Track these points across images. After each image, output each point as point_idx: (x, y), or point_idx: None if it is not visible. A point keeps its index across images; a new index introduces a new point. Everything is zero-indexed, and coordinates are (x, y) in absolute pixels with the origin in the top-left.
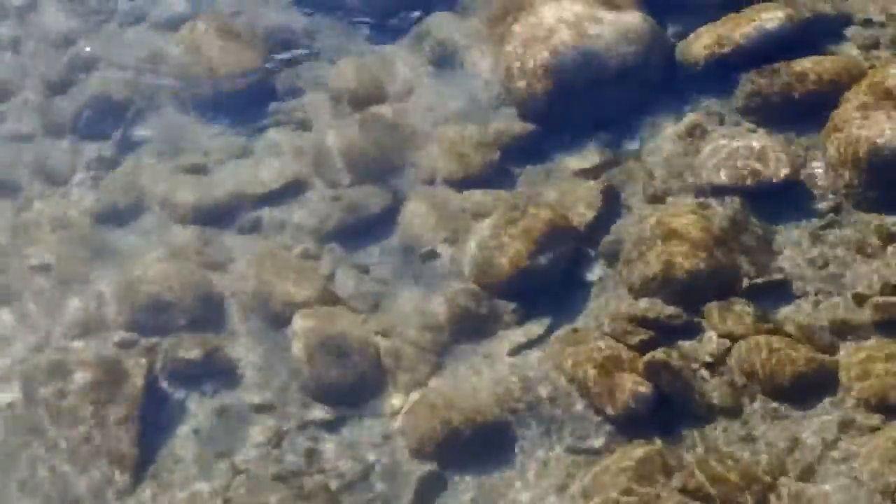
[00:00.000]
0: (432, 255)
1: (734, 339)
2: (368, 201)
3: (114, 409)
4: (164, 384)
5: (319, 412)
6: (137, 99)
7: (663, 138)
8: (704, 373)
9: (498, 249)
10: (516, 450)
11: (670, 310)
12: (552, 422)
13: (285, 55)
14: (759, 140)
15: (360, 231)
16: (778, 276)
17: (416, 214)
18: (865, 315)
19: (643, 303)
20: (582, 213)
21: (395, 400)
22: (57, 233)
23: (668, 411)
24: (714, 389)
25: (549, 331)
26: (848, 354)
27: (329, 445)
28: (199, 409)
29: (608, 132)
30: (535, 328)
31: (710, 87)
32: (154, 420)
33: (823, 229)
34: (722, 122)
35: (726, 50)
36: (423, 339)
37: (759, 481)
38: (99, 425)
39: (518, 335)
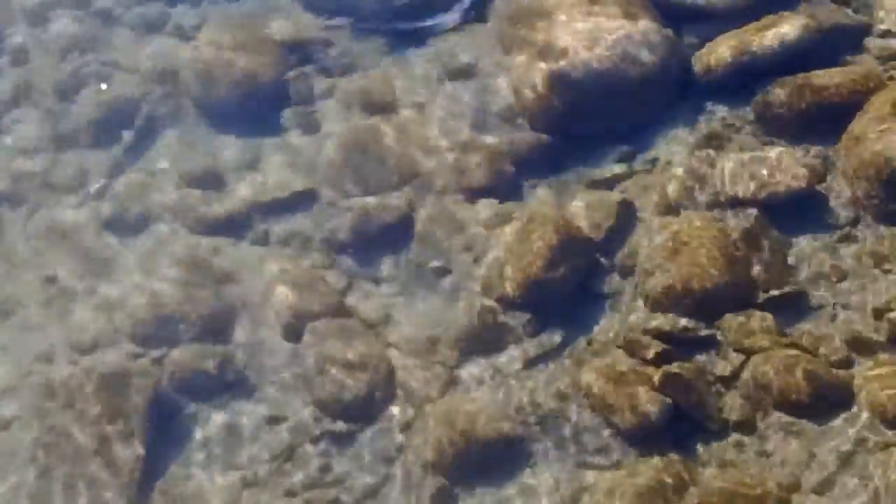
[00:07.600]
0: (444, 267)
1: (750, 352)
2: (380, 212)
3: (121, 421)
4: (173, 396)
5: (331, 425)
6: (147, 107)
7: (679, 149)
8: (720, 387)
9: (511, 262)
10: (528, 464)
11: (685, 323)
12: (565, 436)
13: None
14: (776, 151)
15: (371, 242)
16: (794, 289)
17: (429, 226)
18: (882, 330)
19: (658, 316)
20: (597, 226)
21: (407, 413)
22: (65, 243)
23: (682, 425)
24: (729, 404)
25: (564, 344)
26: (864, 369)
27: (340, 459)
28: (208, 421)
29: (623, 143)
30: (549, 341)
31: (727, 98)
32: (162, 432)
33: (841, 242)
34: (739, 133)
35: (744, 60)
36: (435, 351)
37: (774, 496)
38: (105, 438)
39: (532, 348)
